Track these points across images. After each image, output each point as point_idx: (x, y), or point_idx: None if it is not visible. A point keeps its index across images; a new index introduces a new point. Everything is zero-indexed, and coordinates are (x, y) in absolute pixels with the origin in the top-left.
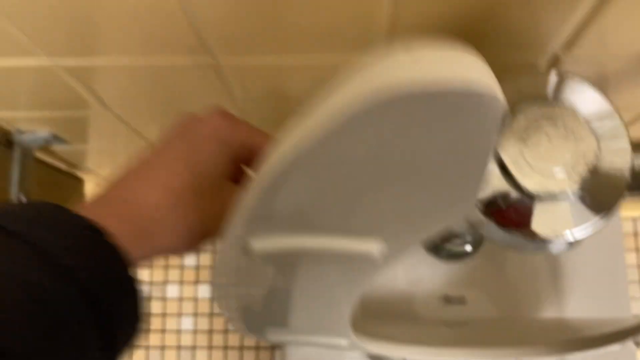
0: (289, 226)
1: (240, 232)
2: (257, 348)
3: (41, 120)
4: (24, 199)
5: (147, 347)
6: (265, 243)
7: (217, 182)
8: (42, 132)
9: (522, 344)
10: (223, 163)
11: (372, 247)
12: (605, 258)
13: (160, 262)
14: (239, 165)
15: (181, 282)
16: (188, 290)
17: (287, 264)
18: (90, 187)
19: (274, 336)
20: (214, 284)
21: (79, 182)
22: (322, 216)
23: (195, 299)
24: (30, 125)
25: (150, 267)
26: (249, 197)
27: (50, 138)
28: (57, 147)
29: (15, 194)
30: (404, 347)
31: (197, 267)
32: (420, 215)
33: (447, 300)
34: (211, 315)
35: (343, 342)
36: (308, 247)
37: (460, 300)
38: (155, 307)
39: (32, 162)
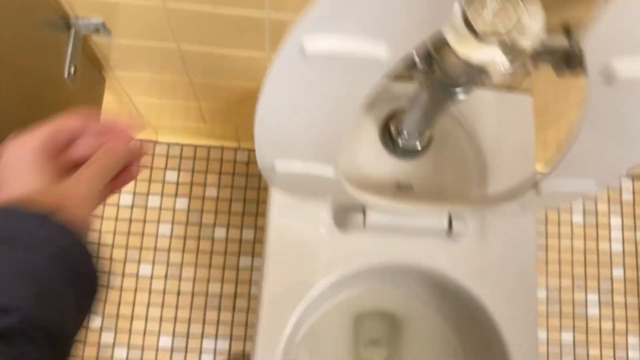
0: (342, 31)
1: (303, 32)
2: (224, 253)
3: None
4: (72, 72)
5: (126, 247)
6: (318, 44)
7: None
8: (96, 19)
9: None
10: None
11: (380, 50)
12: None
13: (144, 175)
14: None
15: (162, 195)
16: (168, 202)
17: (318, 69)
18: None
19: (281, 167)
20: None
21: (103, 80)
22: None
23: (173, 210)
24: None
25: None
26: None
27: (101, 26)
28: (97, 39)
29: (67, 68)
30: (365, 195)
31: (177, 183)
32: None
33: (399, 187)
34: (186, 224)
35: (330, 172)
36: (345, 50)
37: (409, 188)
38: (136, 213)
39: (80, 45)
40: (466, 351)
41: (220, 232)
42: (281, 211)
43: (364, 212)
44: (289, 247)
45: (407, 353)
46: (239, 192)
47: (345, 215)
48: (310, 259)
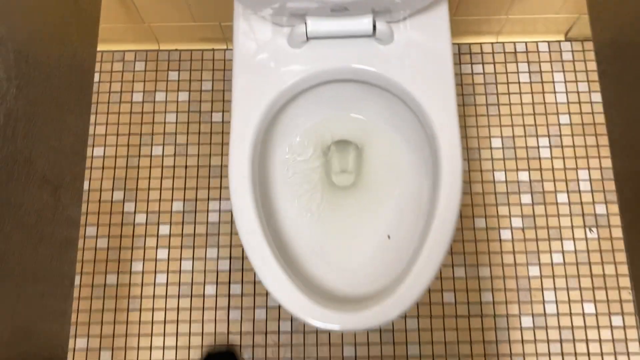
0: None
1: None
2: (222, 133)
3: None
4: None
5: (140, 134)
6: None
7: None
8: None
9: None
10: None
11: None
12: None
13: (150, 77)
14: None
15: (166, 91)
16: (171, 96)
17: None
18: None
19: None
20: None
21: None
22: None
23: (177, 102)
24: None
25: (143, 81)
26: None
27: None
28: None
29: None
30: None
31: (178, 80)
32: None
33: (334, 9)
34: (188, 112)
35: None
36: None
37: (345, 7)
38: (147, 107)
39: None
40: (411, 150)
41: (216, 117)
42: (245, 37)
43: (305, 23)
44: (252, 64)
45: (368, 174)
46: (229, 84)
47: (294, 33)
48: (271, 70)
